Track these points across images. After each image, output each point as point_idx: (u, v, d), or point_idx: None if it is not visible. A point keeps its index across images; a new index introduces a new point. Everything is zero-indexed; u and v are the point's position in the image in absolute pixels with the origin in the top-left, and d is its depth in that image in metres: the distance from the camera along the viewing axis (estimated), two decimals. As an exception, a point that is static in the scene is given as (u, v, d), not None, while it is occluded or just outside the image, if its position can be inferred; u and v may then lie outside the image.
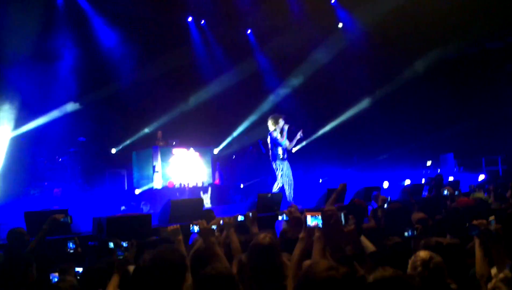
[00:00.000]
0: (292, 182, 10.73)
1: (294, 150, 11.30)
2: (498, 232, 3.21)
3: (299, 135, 10.81)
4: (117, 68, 14.12)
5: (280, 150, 10.59)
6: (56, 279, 3.84)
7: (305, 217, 2.90)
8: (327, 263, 1.93)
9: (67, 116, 13.14)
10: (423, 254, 2.94)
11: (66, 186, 12.36)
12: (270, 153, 10.70)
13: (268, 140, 10.67)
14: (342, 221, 2.96)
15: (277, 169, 10.66)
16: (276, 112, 16.37)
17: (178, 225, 4.46)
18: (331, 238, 2.78)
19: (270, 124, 10.69)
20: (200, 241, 4.52)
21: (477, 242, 3.24)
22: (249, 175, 15.16)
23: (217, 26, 16.38)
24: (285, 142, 10.61)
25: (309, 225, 2.88)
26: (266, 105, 16.81)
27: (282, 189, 10.47)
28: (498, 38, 16.43)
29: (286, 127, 10.66)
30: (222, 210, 9.95)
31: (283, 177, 10.62)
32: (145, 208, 11.71)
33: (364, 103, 17.05)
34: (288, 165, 10.81)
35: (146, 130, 14.35)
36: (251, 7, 14.95)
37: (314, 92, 16.86)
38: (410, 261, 2.94)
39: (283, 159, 10.65)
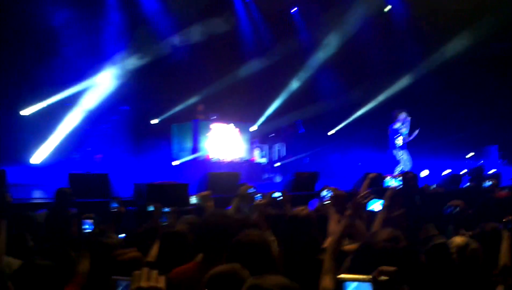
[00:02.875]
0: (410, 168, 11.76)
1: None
2: None
3: (416, 132, 12.08)
4: (161, 38, 14.17)
5: (400, 140, 12.01)
6: (87, 226, 3.99)
7: (384, 179, 2.94)
8: (392, 232, 1.91)
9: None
10: (459, 240, 2.87)
11: (107, 152, 12.66)
12: (390, 141, 12.11)
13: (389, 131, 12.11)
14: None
15: (396, 155, 12.10)
16: (312, 89, 16.51)
17: (209, 191, 4.54)
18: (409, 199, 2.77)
19: (396, 116, 12.02)
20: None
21: (505, 234, 3.17)
22: (286, 154, 15.18)
23: (262, 3, 16.24)
24: (406, 132, 12.00)
25: (388, 186, 2.92)
26: (300, 81, 16.80)
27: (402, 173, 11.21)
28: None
29: (409, 119, 12.01)
30: (258, 187, 10.00)
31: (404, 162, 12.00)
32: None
33: (404, 81, 16.72)
34: (407, 153, 12.19)
35: (189, 103, 14.39)
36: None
37: (355, 70, 16.62)
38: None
39: (401, 147, 12.03)
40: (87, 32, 12.50)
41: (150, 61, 13.78)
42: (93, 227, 4.05)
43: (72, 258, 2.88)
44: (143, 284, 1.68)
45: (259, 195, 4.84)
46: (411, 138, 12.16)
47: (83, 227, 4.17)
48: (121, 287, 1.83)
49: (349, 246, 3.24)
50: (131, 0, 13.90)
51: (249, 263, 2.34)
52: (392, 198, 2.70)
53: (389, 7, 16.74)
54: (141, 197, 6.66)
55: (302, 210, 3.19)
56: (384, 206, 2.70)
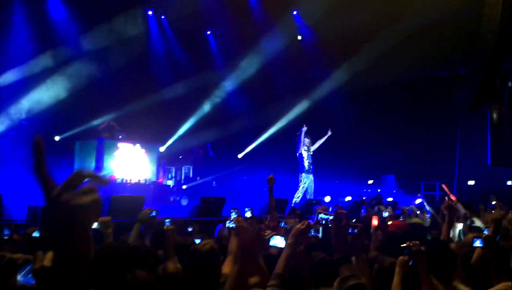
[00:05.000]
0: (312, 196, 11.72)
1: (312, 148, 12.19)
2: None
3: (328, 133, 11.99)
4: (69, 53, 13.65)
5: (306, 163, 11.75)
6: None
7: (318, 214, 2.95)
8: None
9: (8, 94, 12.63)
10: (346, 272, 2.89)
11: (3, 169, 11.83)
12: (299, 165, 11.88)
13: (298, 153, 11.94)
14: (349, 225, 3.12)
15: (300, 181, 11.78)
16: (221, 113, 16.63)
17: (110, 217, 4.37)
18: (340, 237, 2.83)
19: (299, 137, 11.90)
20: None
21: (397, 269, 3.23)
22: (194, 176, 15.08)
23: (177, 23, 16.17)
24: (306, 149, 11.83)
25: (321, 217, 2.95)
26: (213, 107, 16.91)
27: (302, 199, 11.13)
28: (448, 68, 16.97)
29: (302, 137, 11.88)
30: (164, 210, 9.82)
31: (305, 189, 11.76)
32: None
33: (307, 105, 17.34)
34: (312, 179, 11.88)
35: (95, 122, 13.83)
36: (213, 9, 14.93)
37: (265, 94, 17.01)
38: (335, 283, 2.84)
39: (307, 172, 11.75)
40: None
41: (56, 69, 13.22)
42: (9, 232, 3.73)
43: None
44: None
45: (168, 220, 4.73)
46: (316, 147, 12.15)
47: (4, 232, 3.86)
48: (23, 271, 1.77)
49: (252, 280, 3.23)
50: (38, 4, 13.34)
51: None
52: (297, 236, 2.73)
53: (299, 37, 17.31)
54: (35, 221, 6.24)
55: (205, 244, 3.12)
56: (288, 244, 2.71)
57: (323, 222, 3.22)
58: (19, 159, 12.34)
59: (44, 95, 13.17)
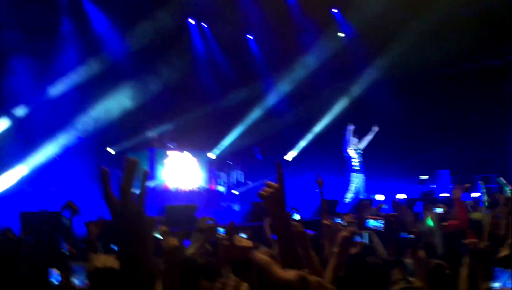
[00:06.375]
0: (364, 195, 11.72)
1: (361, 146, 12.15)
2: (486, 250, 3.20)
3: (375, 129, 11.93)
4: (119, 69, 14.00)
5: (355, 162, 11.69)
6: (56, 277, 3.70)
7: (367, 221, 2.97)
8: None
9: (63, 108, 13.10)
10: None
11: (61, 184, 12.26)
12: (347, 164, 11.82)
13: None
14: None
15: (351, 181, 11.74)
16: (267, 118, 16.64)
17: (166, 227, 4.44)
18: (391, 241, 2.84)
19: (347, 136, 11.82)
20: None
21: (465, 262, 3.17)
22: (245, 181, 15.15)
23: (218, 29, 16.29)
24: (355, 147, 11.72)
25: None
26: (259, 110, 16.94)
27: (354, 199, 11.06)
28: (498, 56, 16.31)
29: (348, 136, 11.79)
30: (217, 216, 9.94)
31: (356, 189, 11.73)
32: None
33: (344, 102, 17.17)
34: (363, 178, 11.81)
35: (150, 134, 13.99)
36: (253, 14, 15.04)
37: (303, 97, 16.97)
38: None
39: (357, 171, 11.67)
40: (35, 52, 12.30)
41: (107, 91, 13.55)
42: (60, 279, 3.76)
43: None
44: (98, 264, 1.82)
45: (222, 230, 4.76)
46: (364, 144, 11.83)
47: (50, 278, 3.90)
48: (77, 272, 2.02)
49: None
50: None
51: None
52: (343, 244, 2.70)
53: (342, 34, 17.14)
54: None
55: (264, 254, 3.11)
56: (336, 253, 2.68)
57: (374, 228, 3.20)
58: (78, 173, 12.72)
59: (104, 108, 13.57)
